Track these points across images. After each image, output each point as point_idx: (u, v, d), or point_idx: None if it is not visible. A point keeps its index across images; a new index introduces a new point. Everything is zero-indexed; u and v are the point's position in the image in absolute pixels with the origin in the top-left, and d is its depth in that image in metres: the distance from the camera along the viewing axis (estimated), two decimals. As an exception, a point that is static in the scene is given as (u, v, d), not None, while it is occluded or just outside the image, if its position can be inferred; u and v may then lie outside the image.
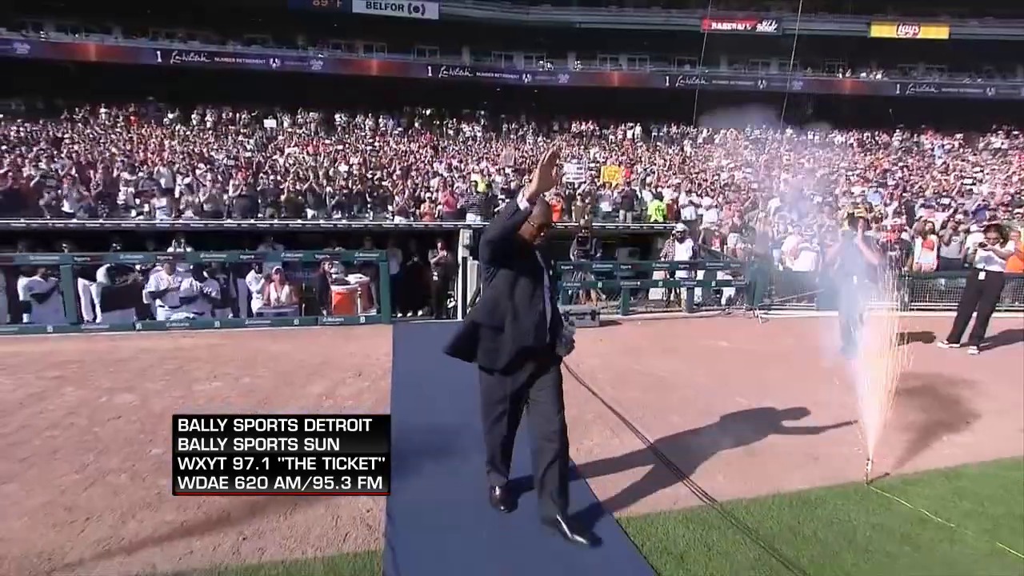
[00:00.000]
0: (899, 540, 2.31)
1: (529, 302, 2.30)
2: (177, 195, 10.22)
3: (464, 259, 8.39)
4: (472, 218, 10.25)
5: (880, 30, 22.66)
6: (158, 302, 6.82)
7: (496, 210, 9.06)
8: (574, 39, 24.04)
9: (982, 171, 16.07)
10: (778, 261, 8.30)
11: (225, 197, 10.24)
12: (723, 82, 23.59)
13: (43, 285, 6.52)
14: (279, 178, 11.28)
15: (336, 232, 8.78)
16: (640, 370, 4.71)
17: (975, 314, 5.73)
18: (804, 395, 3.93)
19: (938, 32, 22.51)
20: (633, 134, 23.62)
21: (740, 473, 2.89)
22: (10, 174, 9.73)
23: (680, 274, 7.47)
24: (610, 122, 24.21)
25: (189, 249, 7.79)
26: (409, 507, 2.49)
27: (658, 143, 22.93)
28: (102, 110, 22.23)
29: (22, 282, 6.57)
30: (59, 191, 9.37)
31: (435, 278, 8.72)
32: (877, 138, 23.63)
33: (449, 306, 8.75)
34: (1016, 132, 23.45)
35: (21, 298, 6.43)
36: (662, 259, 8.00)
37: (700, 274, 7.55)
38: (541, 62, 24.60)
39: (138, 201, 10.70)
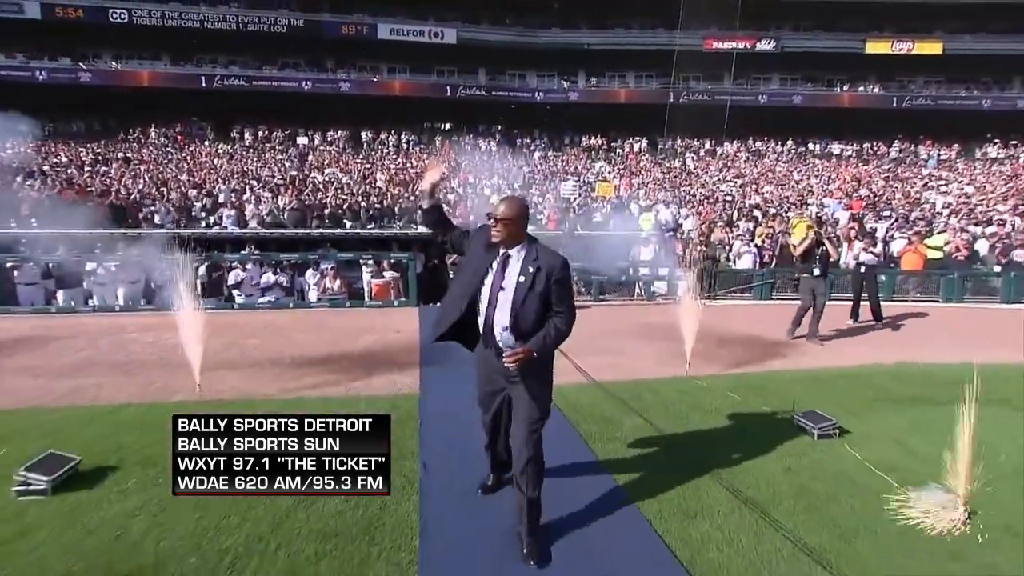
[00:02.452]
0: (684, 395, 4.65)
1: (465, 289, 2.53)
2: (240, 208, 12.96)
3: (473, 260, 10.87)
4: (482, 227, 12.74)
5: (875, 47, 24.67)
6: (236, 292, 9.47)
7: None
8: (583, 59, 26.59)
9: (947, 184, 17.99)
10: (732, 261, 10.60)
11: (277, 211, 12.97)
12: (725, 97, 25.80)
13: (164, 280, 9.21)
14: (322, 194, 13.99)
15: (371, 239, 11.34)
16: (585, 333, 7.08)
17: (867, 298, 7.91)
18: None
19: (932, 48, 24.43)
20: (639, 147, 26.00)
21: (618, 371, 5.26)
22: (112, 191, 12.61)
23: (643, 271, 9.83)
24: (618, 136, 26.63)
25: (256, 252, 10.43)
26: (436, 383, 4.91)
27: (663, 156, 25.27)
28: (152, 130, 25.52)
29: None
30: (152, 207, 12.18)
31: (451, 276, 11.22)
32: (876, 149, 25.55)
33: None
34: (1015, 142, 25.15)
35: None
36: (630, 259, 10.34)
37: (662, 271, 9.91)
38: (552, 81, 27.18)
39: (203, 213, 13.51)
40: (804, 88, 25.86)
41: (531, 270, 2.45)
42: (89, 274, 8.78)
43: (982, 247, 11.13)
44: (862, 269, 8.07)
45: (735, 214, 13.57)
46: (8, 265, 8.38)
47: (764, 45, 25.09)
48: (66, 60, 25.64)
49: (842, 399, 4.39)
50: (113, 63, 26.00)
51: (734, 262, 10.33)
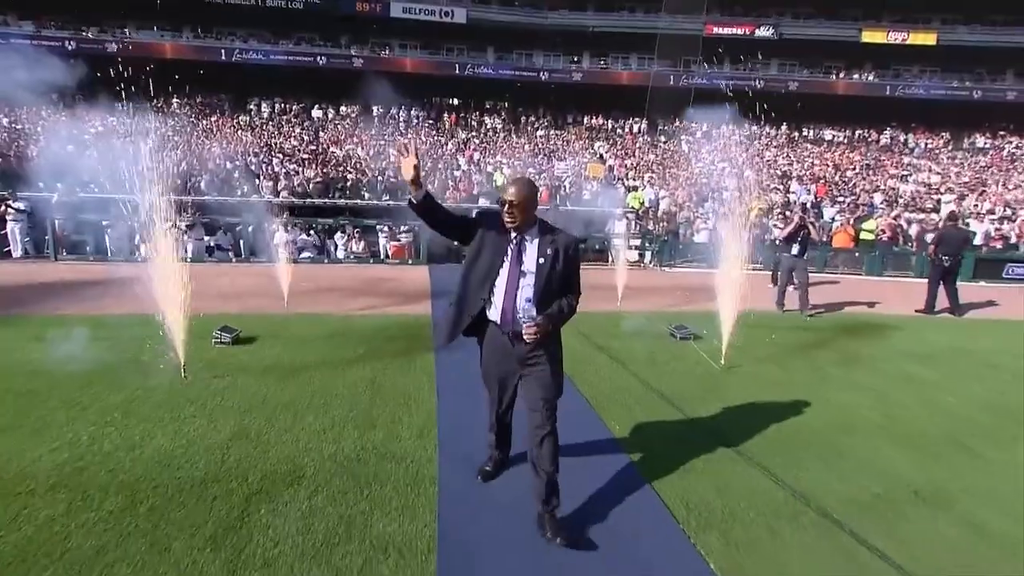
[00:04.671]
0: (610, 319, 7.12)
1: (483, 279, 2.60)
2: (275, 179, 15.41)
3: (474, 230, 13.31)
4: (483, 201, 15.13)
5: (871, 36, 26.45)
6: (279, 250, 11.97)
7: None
8: (588, 40, 28.52)
9: (912, 173, 20.14)
10: (692, 236, 13.00)
11: (306, 183, 15.41)
12: (722, 81, 27.71)
13: (224, 240, 11.74)
14: (342, 169, 16.41)
15: (387, 208, 13.76)
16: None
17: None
18: (636, 294, 8.67)
19: (926, 38, 26.19)
20: (638, 128, 28.08)
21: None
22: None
23: (616, 241, 12.25)
24: (619, 117, 28.69)
25: (293, 218, 12.90)
26: (442, 308, 7.39)
27: (661, 137, 27.35)
28: (174, 101, 27.83)
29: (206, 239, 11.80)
30: (199, 176, 14.65)
31: (455, 243, 13.70)
32: (867, 136, 27.52)
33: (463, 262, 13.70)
34: (1003, 132, 27.06)
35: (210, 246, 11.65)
36: (606, 231, 12.74)
37: (633, 242, 12.32)
38: (558, 61, 29.15)
39: (239, 182, 15.96)
40: (801, 75, 27.71)
41: (549, 252, 2.56)
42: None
43: (915, 231, 13.45)
44: (778, 243, 10.49)
45: (709, 196, 15.89)
46: (104, 223, 10.93)
47: (763, 32, 26.91)
48: (93, 30, 27.90)
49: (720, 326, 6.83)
50: (135, 34, 28.19)
51: (694, 236, 12.71)
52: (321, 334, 6.01)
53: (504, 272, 2.58)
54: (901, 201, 16.27)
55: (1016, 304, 9.52)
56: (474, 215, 2.76)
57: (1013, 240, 12.50)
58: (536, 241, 2.59)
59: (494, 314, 2.64)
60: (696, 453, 3.57)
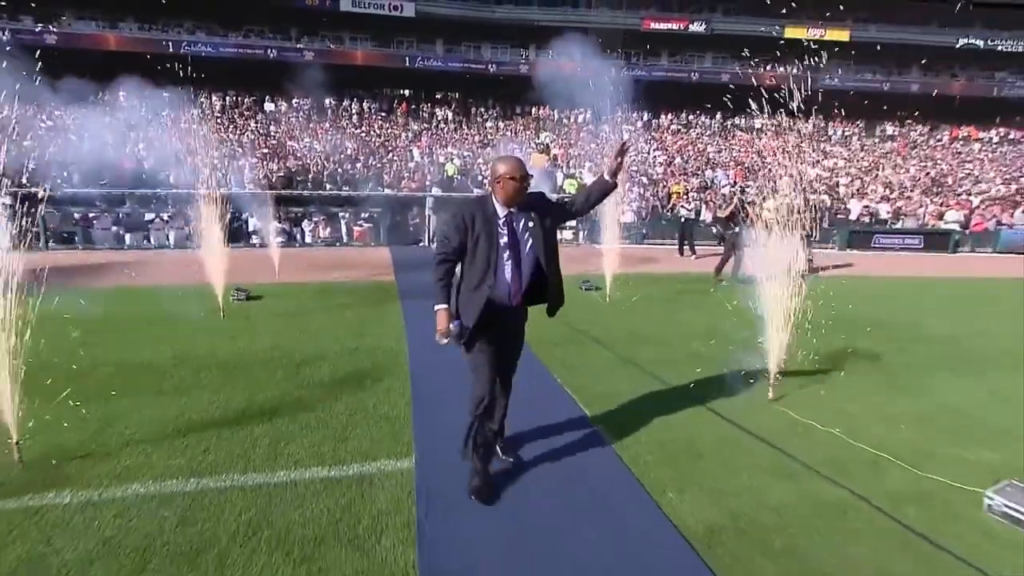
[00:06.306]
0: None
1: (485, 267, 2.77)
2: (240, 172, 17.09)
3: (428, 215, 15.40)
4: (436, 191, 17.24)
5: (793, 32, 29.66)
6: (254, 236, 13.81)
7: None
8: (534, 33, 30.77)
9: (822, 158, 23.37)
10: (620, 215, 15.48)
11: (270, 175, 17.13)
12: (661, 74, 30.51)
13: (197, 225, 13.45)
14: (303, 161, 18.18)
15: (349, 198, 15.70)
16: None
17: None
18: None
19: (840, 35, 29.59)
20: (584, 118, 30.58)
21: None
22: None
23: (552, 224, 14.62)
24: (565, 107, 31.09)
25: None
26: (401, 275, 9.53)
27: (604, 127, 29.92)
28: (121, 94, 28.58)
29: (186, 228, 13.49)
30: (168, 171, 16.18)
31: (411, 228, 15.75)
32: (792, 125, 30.79)
33: (419, 244, 15.76)
34: (909, 121, 30.86)
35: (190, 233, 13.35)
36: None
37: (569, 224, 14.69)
38: (505, 53, 31.31)
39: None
40: (731, 67, 30.74)
41: (533, 214, 2.84)
42: (148, 222, 12.97)
43: (808, 209, 16.27)
44: (683, 220, 13.08)
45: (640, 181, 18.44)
46: (91, 215, 12.52)
47: (696, 27, 29.78)
48: (28, 19, 28.30)
49: (624, 283, 9.16)
50: (73, 24, 28.75)
51: (620, 217, 15.18)
52: (313, 293, 8.08)
53: (505, 252, 2.78)
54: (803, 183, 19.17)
55: (866, 266, 12.36)
56: (455, 221, 2.84)
57: (882, 216, 15.45)
58: (518, 210, 2.82)
59: (500, 295, 2.82)
60: (574, 346, 5.88)
